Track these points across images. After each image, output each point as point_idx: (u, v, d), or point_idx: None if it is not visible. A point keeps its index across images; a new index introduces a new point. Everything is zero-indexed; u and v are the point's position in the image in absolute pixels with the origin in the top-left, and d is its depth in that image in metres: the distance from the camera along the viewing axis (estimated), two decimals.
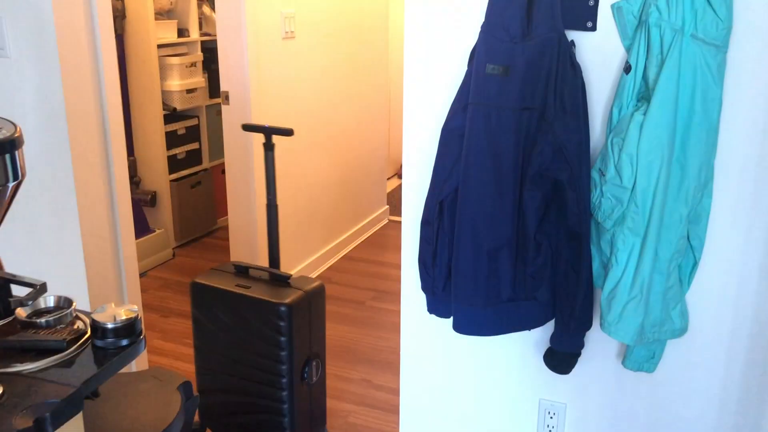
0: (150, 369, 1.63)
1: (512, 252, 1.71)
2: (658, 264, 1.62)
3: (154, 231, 4.00)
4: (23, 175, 0.97)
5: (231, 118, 3.16)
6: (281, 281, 2.20)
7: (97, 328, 0.99)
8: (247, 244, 3.28)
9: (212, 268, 2.28)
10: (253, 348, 2.16)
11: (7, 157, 0.93)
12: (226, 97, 3.12)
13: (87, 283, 2.33)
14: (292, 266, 3.61)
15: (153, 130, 3.93)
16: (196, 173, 4.26)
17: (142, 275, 3.79)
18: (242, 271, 2.25)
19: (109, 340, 0.99)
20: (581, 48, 1.67)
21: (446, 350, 2.04)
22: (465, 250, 1.72)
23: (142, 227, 3.93)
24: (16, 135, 0.95)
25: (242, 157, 3.18)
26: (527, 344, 1.94)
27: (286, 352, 2.12)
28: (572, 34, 1.65)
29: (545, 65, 1.58)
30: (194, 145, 4.24)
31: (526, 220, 1.68)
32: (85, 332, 1.02)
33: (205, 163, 4.34)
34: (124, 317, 1.00)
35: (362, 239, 4.39)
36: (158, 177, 4.03)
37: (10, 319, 1.04)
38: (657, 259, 1.62)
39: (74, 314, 1.05)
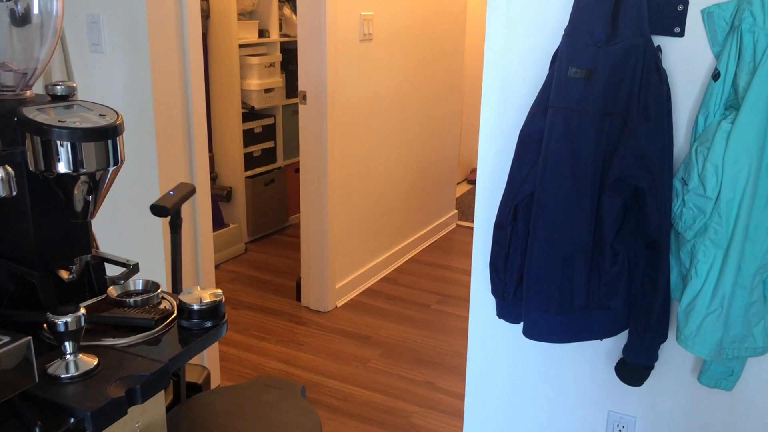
0: (259, 378, 1.66)
1: (587, 259, 1.68)
2: (740, 278, 1.57)
3: (229, 225, 4.11)
4: (122, 161, 1.02)
5: (308, 117, 3.22)
6: None
7: (184, 309, 1.03)
8: (318, 242, 3.34)
9: None
10: None
11: (110, 142, 0.99)
12: (304, 97, 3.19)
13: (166, 273, 2.42)
14: (359, 267, 3.65)
15: (231, 128, 4.05)
16: (270, 171, 4.36)
17: (215, 268, 3.90)
18: None
19: (194, 321, 1.03)
20: (668, 54, 1.63)
21: (514, 356, 2.03)
22: (539, 256, 1.70)
23: (217, 221, 4.05)
24: (118, 122, 1.00)
25: (317, 156, 3.24)
26: (598, 354, 1.91)
27: None
28: (659, 40, 1.62)
29: (629, 70, 1.55)
30: (270, 144, 4.34)
31: (603, 227, 1.66)
32: (172, 313, 1.06)
33: (280, 162, 4.44)
34: (209, 300, 1.04)
35: (429, 242, 4.40)
36: (234, 173, 4.14)
37: (103, 297, 1.10)
38: (740, 274, 1.57)
39: (161, 296, 1.10)
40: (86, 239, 1.13)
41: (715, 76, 1.54)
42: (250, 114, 4.17)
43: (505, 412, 2.09)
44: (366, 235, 3.68)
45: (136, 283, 1.12)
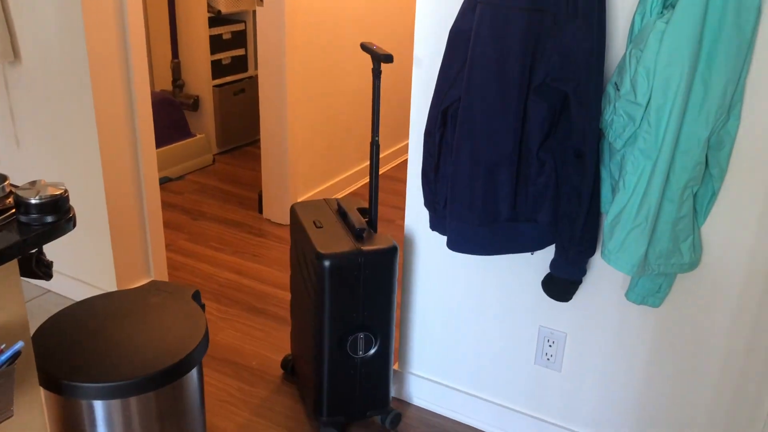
0: (150, 283, 1.62)
1: (513, 169, 1.60)
2: (669, 191, 1.49)
3: (195, 135, 4.01)
4: None
5: (265, 21, 3.07)
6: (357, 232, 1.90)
7: (21, 203, 0.96)
8: (278, 154, 3.25)
9: (324, 199, 2.09)
10: (309, 299, 1.90)
11: None
12: None
13: (104, 184, 2.34)
14: (323, 181, 3.57)
15: (197, 33, 3.89)
16: (240, 80, 4.22)
17: (179, 178, 3.84)
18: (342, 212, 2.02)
19: (33, 215, 0.96)
20: None
21: (446, 269, 1.98)
22: (462, 164, 1.62)
23: (183, 131, 3.95)
24: None
25: (275, 64, 3.10)
26: (528, 268, 1.85)
27: (322, 313, 1.83)
28: None
29: None
30: (240, 51, 4.18)
31: (529, 134, 1.57)
32: (12, 208, 0.99)
33: (251, 71, 4.29)
34: (49, 194, 0.97)
35: (402, 159, 4.30)
36: (201, 82, 4.01)
37: None
38: (668, 186, 1.48)
39: (7, 190, 1.03)
40: None
41: None
42: (217, 19, 4.00)
43: (436, 323, 2.05)
44: (330, 148, 3.58)
45: None
